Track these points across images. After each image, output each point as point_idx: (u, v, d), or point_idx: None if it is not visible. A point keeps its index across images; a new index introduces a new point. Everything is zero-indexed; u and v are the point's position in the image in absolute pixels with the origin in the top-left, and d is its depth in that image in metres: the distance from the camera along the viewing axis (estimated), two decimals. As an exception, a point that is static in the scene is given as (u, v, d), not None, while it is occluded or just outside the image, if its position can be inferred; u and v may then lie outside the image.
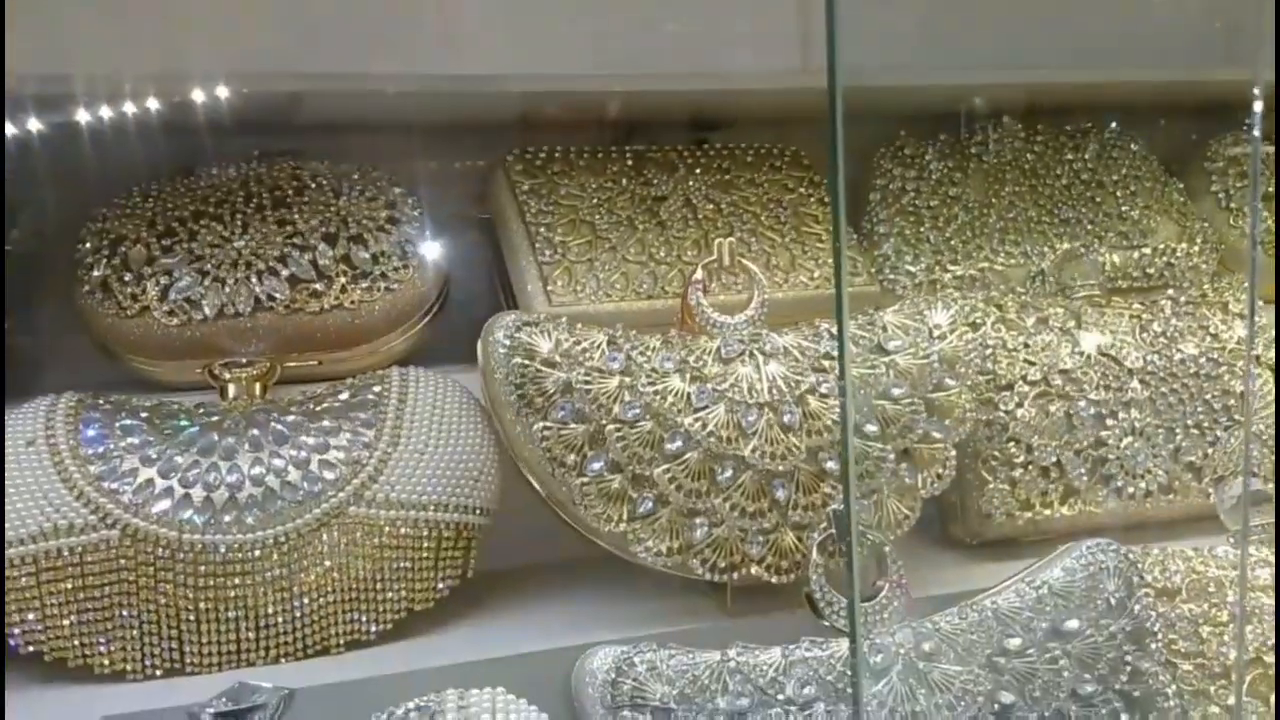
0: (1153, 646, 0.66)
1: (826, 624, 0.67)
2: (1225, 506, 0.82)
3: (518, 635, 0.75)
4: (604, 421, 0.73)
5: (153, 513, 0.70)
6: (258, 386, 0.80)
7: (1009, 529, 0.87)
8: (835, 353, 0.79)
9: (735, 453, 0.74)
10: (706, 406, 0.75)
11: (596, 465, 0.73)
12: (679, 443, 0.73)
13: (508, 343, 0.74)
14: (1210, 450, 0.91)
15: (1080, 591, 0.67)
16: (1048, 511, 0.87)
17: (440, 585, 0.75)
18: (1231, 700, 0.67)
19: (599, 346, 0.76)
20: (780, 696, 0.61)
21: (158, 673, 0.70)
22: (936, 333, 0.82)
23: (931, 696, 0.62)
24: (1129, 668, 0.65)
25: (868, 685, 0.62)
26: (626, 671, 0.62)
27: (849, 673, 0.62)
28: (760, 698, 0.61)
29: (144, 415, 0.75)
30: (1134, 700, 0.65)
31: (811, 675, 0.62)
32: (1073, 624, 0.65)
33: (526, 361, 0.74)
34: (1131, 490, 0.89)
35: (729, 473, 0.74)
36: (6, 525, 0.69)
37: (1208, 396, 0.93)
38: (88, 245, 0.83)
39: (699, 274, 0.83)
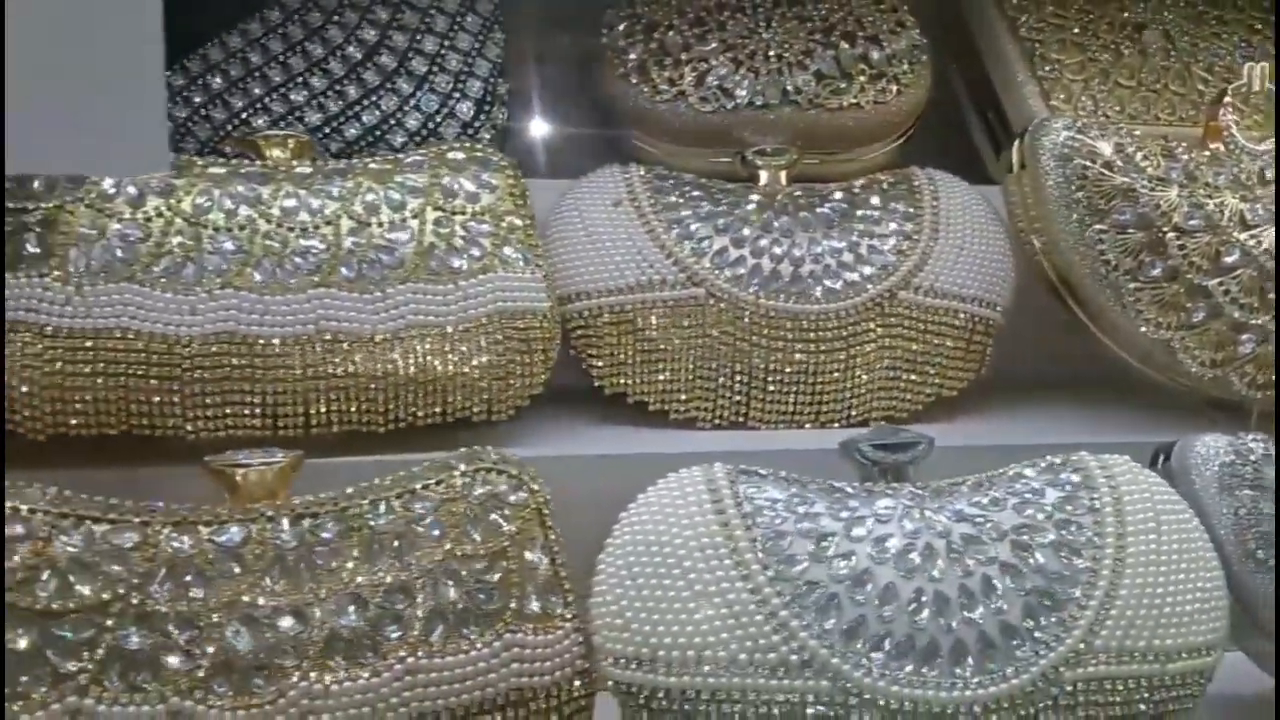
0: None
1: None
2: None
3: (1036, 430, 0.79)
4: (1164, 229, 0.74)
5: (732, 276, 0.75)
6: (783, 175, 0.83)
7: None
8: (1382, 185, 0.78)
9: (1288, 272, 0.75)
10: (1260, 225, 0.75)
11: (1154, 272, 0.74)
12: (1236, 255, 0.74)
13: (1072, 143, 0.75)
14: None
15: None
16: None
17: (963, 376, 0.79)
18: None
19: (1155, 155, 0.76)
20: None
21: (723, 424, 0.77)
22: None
23: None
24: None
25: None
26: (1244, 455, 0.64)
27: None
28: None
29: (701, 189, 0.80)
30: None
31: None
32: None
33: (1089, 163, 0.75)
34: None
35: (1281, 292, 0.75)
36: (602, 276, 0.75)
37: None
38: (620, 29, 0.86)
39: (1229, 96, 0.82)
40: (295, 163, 0.71)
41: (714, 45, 0.85)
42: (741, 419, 0.76)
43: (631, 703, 0.55)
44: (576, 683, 0.58)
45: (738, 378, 0.76)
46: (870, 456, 0.63)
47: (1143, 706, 0.57)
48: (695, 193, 0.79)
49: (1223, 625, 0.60)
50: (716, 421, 0.76)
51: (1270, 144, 0.81)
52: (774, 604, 0.55)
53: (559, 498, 0.63)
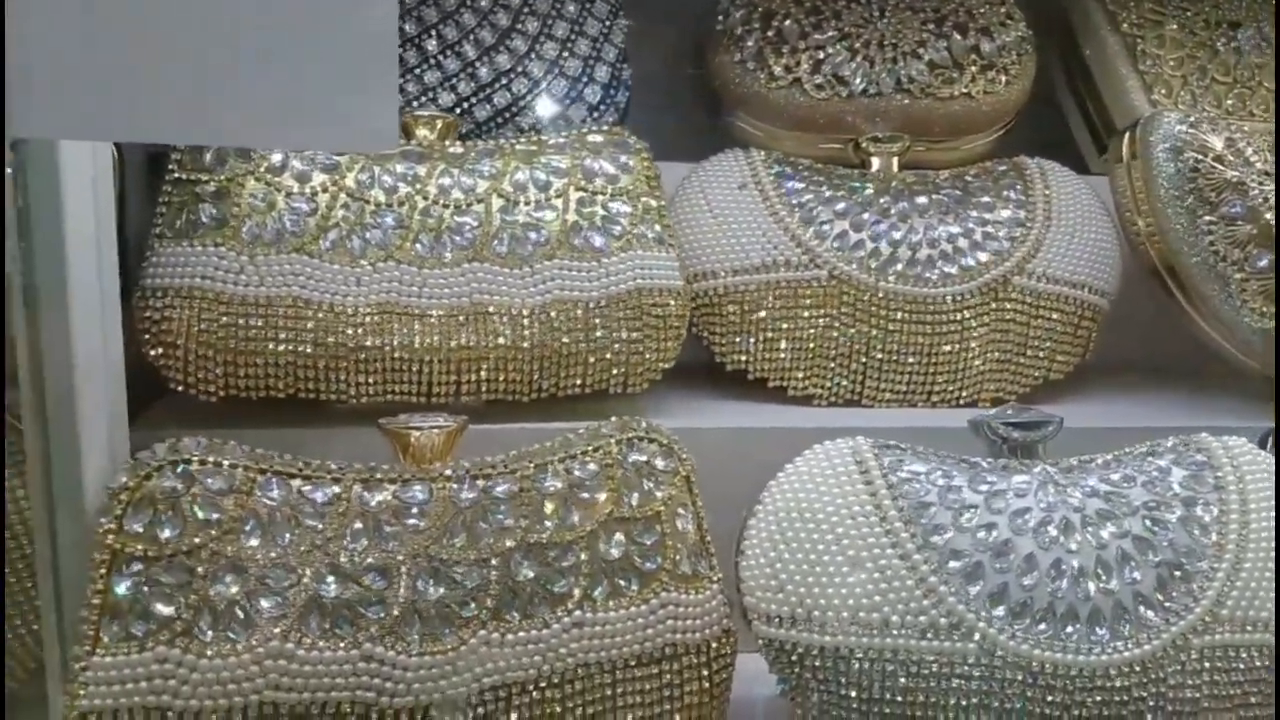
0: None
1: None
2: None
3: (1140, 413, 0.81)
4: (1272, 223, 0.77)
5: (852, 259, 0.78)
6: (895, 162, 0.86)
7: None
8: None
9: (1389, 266, 0.77)
10: (1365, 219, 0.78)
11: (1261, 263, 0.77)
12: (1339, 249, 0.77)
13: (1185, 137, 0.78)
14: None
15: None
16: None
17: (1070, 360, 0.82)
18: None
19: (1263, 150, 0.79)
20: None
21: (838, 401, 0.80)
22: None
23: None
24: None
25: None
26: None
27: None
28: None
29: (820, 174, 0.83)
30: None
31: None
32: None
33: (1201, 156, 0.78)
34: None
35: (1381, 284, 0.77)
36: (729, 257, 0.78)
37: None
38: (737, 16, 0.89)
39: (1327, 95, 0.84)
40: (447, 142, 0.74)
41: (830, 34, 0.87)
42: (856, 397, 0.79)
43: (783, 659, 0.59)
44: (724, 640, 0.61)
45: (855, 357, 0.79)
46: (1002, 434, 0.65)
47: (1263, 674, 0.60)
48: (816, 177, 0.82)
49: (1337, 600, 0.63)
50: (831, 399, 0.80)
51: (1372, 141, 0.83)
52: (923, 570, 0.58)
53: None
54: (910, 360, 0.79)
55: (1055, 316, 0.80)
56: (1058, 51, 0.99)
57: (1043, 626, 0.58)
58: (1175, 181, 0.78)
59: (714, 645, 0.61)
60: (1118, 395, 0.85)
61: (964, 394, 0.80)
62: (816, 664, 0.58)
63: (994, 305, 0.79)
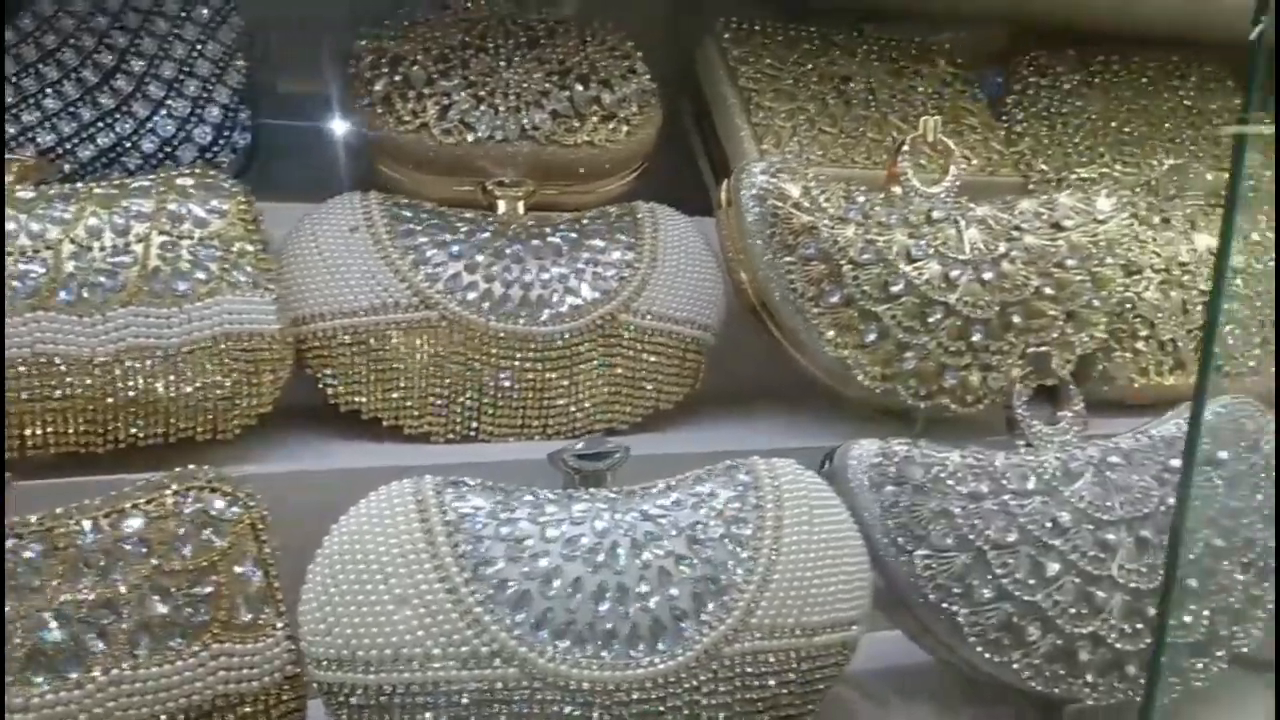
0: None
1: (1022, 442, 0.82)
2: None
3: (741, 437, 0.88)
4: (841, 262, 0.85)
5: (464, 300, 0.81)
6: (520, 205, 0.89)
7: (1125, 393, 1.03)
8: (1022, 224, 0.92)
9: (943, 300, 0.87)
10: (922, 259, 0.87)
11: (833, 299, 0.85)
12: (901, 285, 0.86)
13: (767, 185, 0.85)
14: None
15: (1228, 430, 0.82)
16: (1159, 380, 1.03)
17: (679, 390, 0.88)
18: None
19: (836, 197, 0.87)
20: (1011, 487, 0.76)
21: (456, 438, 0.82)
22: (1101, 216, 0.96)
23: (1115, 496, 0.78)
24: (1262, 492, 0.81)
25: (1066, 484, 0.77)
26: (890, 456, 0.75)
27: (1058, 474, 0.77)
28: (994, 486, 0.76)
29: (438, 217, 0.85)
30: (1268, 519, 0.81)
31: (1031, 471, 0.77)
32: (1223, 454, 0.81)
33: (779, 204, 0.85)
34: (1228, 370, 1.05)
35: (937, 316, 0.87)
36: (338, 299, 0.79)
37: (1291, 299, 1.09)
38: (366, 61, 0.90)
39: (907, 145, 0.94)
40: (19, 187, 0.71)
41: (456, 81, 0.90)
42: (473, 433, 0.82)
43: (333, 702, 0.60)
44: (286, 688, 0.61)
45: (469, 395, 0.81)
46: (572, 465, 0.69)
47: (792, 675, 0.66)
48: (433, 220, 0.84)
49: (864, 604, 0.70)
50: (449, 436, 0.82)
51: (940, 187, 0.94)
52: (469, 602, 0.60)
53: (290, 512, 0.67)
54: (524, 396, 0.82)
55: (661, 350, 0.86)
56: (688, 101, 1.07)
57: (585, 646, 0.62)
58: (760, 226, 0.85)
59: (273, 693, 0.61)
60: (723, 420, 0.92)
61: (579, 426, 0.84)
62: (360, 703, 0.59)
63: (602, 341, 0.84)
